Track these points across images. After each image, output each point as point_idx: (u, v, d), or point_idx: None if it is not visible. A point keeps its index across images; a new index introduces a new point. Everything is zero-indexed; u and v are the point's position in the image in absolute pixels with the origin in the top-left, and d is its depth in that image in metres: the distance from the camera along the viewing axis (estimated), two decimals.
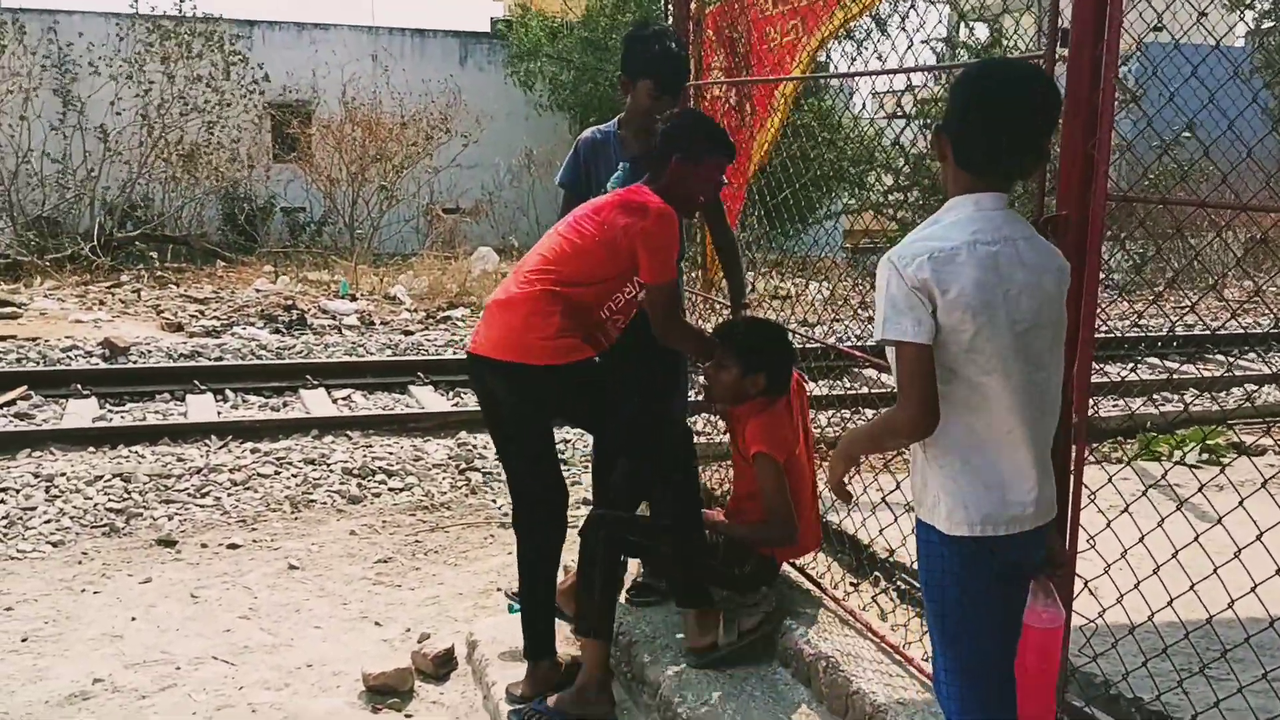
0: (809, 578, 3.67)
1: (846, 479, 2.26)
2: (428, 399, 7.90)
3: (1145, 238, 10.36)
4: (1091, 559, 2.60)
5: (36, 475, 5.86)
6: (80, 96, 15.75)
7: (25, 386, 7.51)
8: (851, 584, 3.66)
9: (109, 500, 5.61)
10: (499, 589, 4.71)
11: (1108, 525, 2.61)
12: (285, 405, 7.77)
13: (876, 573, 3.69)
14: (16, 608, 4.41)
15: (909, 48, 3.54)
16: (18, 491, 5.63)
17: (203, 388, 7.84)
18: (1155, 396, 7.43)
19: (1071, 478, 2.45)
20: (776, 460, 3.29)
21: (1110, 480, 2.72)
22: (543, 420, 3.33)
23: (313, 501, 5.78)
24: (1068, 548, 2.48)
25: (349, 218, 16.54)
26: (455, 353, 9.23)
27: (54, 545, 5.10)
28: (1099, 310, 2.55)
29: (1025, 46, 4.38)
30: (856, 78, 4.67)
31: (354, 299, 11.87)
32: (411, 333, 10.58)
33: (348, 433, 6.95)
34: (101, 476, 5.89)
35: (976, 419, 2.03)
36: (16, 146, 15.11)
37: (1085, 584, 2.59)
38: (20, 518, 5.34)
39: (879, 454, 2.30)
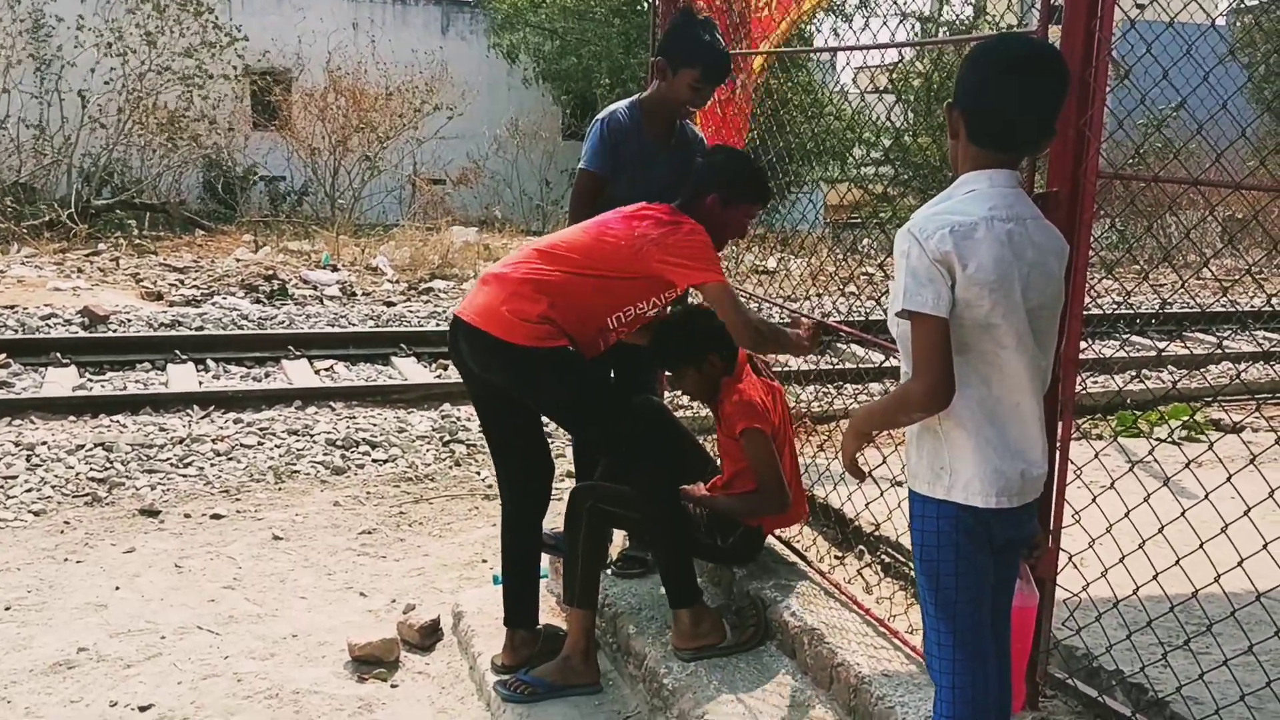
0: (795, 551, 3.69)
1: (860, 456, 2.26)
2: (411, 370, 7.88)
3: (1133, 215, 10.43)
4: (1076, 534, 2.62)
5: (17, 444, 5.82)
6: (61, 61, 15.50)
7: (4, 354, 7.44)
8: (837, 557, 3.68)
9: (91, 469, 5.57)
10: (484, 560, 4.72)
11: (1093, 500, 2.64)
12: (267, 375, 7.73)
13: (862, 546, 3.72)
14: None
15: (888, 21, 3.53)
16: None
17: (184, 357, 7.78)
18: (1137, 373, 7.48)
19: (1058, 453, 2.47)
20: (764, 431, 3.31)
21: (1097, 456, 2.75)
22: (508, 397, 3.25)
23: (296, 472, 5.76)
24: (1053, 523, 2.50)
25: (330, 187, 16.41)
26: (438, 324, 9.20)
27: (35, 514, 5.07)
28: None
29: (1012, 23, 4.39)
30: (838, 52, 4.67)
31: (335, 269, 11.79)
32: (394, 304, 10.53)
33: (331, 403, 6.93)
34: (83, 445, 5.86)
35: (989, 391, 2.04)
36: None
37: (1070, 558, 2.62)
38: (1, 486, 5.30)
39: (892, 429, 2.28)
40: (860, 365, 7.46)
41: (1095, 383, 7.29)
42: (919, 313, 1.96)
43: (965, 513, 2.07)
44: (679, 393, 3.63)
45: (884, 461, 3.55)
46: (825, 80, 13.17)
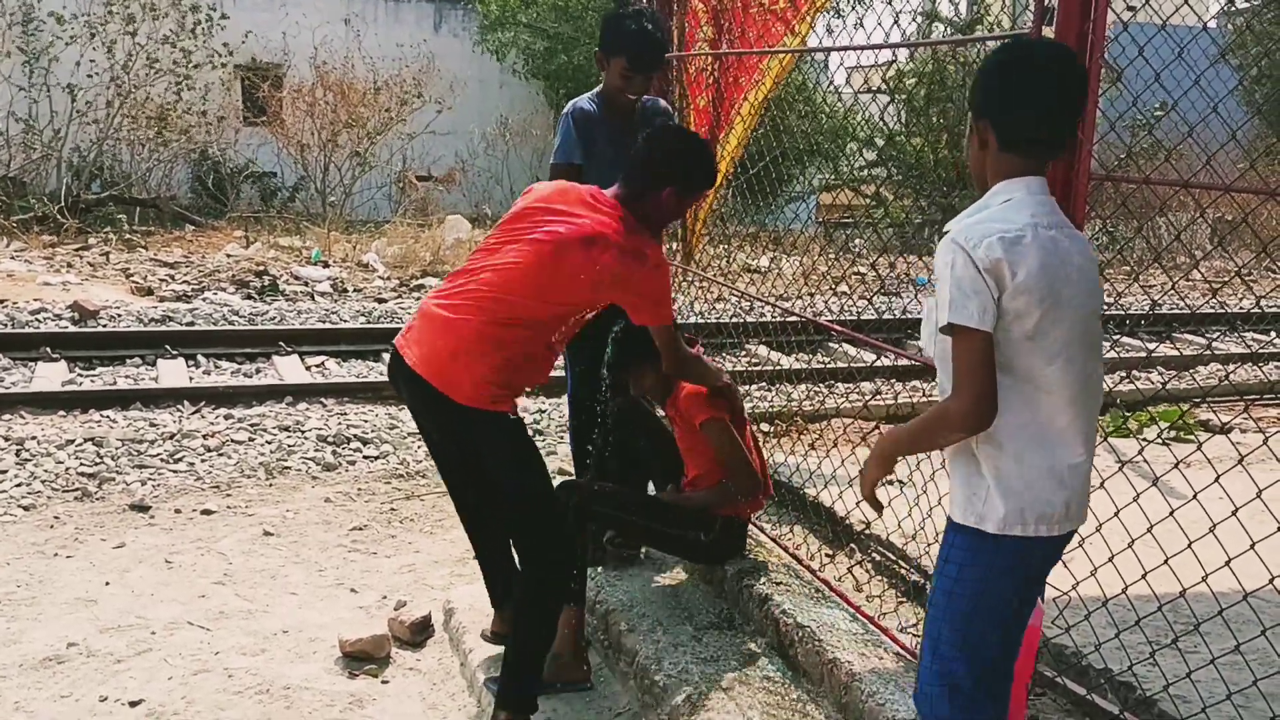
0: (785, 549, 3.71)
1: (881, 486, 2.16)
2: None
3: (1124, 217, 10.48)
4: None
5: (6, 438, 5.80)
6: (48, 55, 15.43)
7: None
8: (827, 555, 3.70)
9: (81, 465, 5.56)
10: (475, 557, 4.71)
11: None
12: (258, 371, 7.71)
13: (853, 544, 3.74)
14: None
15: (882, 21, 3.56)
16: None
17: (174, 353, 7.76)
18: (1127, 374, 7.51)
19: None
20: (724, 418, 3.37)
21: None
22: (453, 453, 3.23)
23: (287, 468, 5.75)
24: None
25: (321, 183, 16.37)
26: None
27: (25, 509, 5.05)
28: None
29: (1006, 25, 4.40)
30: (832, 52, 4.67)
31: (326, 265, 11.77)
32: (385, 300, 10.51)
33: (322, 400, 6.92)
34: (73, 441, 5.84)
35: (1033, 415, 1.96)
36: None
37: (1058, 557, 2.63)
38: None
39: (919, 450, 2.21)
40: (852, 365, 7.48)
41: None
42: (964, 326, 1.88)
43: (1003, 543, 1.99)
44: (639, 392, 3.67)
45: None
46: (819, 80, 13.19)
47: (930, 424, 2.00)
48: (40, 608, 4.08)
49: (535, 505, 3.08)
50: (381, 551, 4.79)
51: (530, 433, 6.48)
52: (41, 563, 4.49)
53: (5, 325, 8.32)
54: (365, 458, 5.99)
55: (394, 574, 4.56)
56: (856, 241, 11.95)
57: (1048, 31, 2.55)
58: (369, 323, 9.27)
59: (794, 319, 4.49)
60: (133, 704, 3.45)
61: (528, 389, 3.08)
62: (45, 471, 5.44)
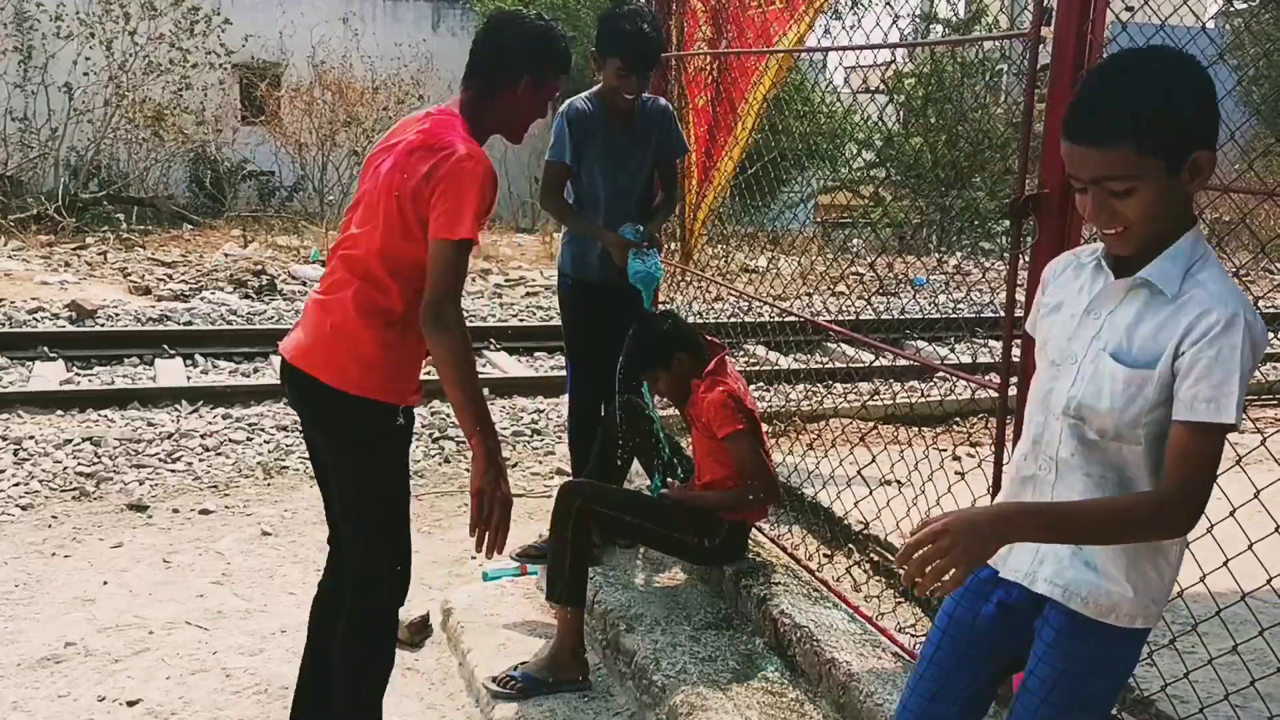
0: (784, 549, 3.71)
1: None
2: None
3: None
4: None
5: (4, 438, 5.80)
6: (45, 53, 15.41)
7: None
8: (825, 556, 3.70)
9: (78, 464, 5.55)
10: (472, 557, 4.72)
11: None
12: (256, 371, 7.71)
13: (851, 544, 3.74)
14: None
15: (881, 20, 3.57)
16: None
17: (172, 352, 7.76)
18: None
19: None
20: (745, 431, 3.35)
21: None
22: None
23: (285, 468, 5.75)
24: None
25: (319, 182, 16.36)
26: None
27: (23, 509, 5.05)
28: None
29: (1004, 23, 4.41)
30: (830, 52, 4.68)
31: (324, 265, 11.76)
32: None
33: None
34: (71, 440, 5.83)
35: None
36: None
37: None
38: None
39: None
40: (850, 365, 7.48)
41: None
42: (1232, 425, 1.60)
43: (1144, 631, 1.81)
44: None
45: (873, 460, 3.58)
46: (817, 80, 13.20)
47: (1123, 517, 1.66)
48: (38, 607, 4.08)
49: (383, 524, 2.80)
50: None
51: (529, 432, 6.44)
52: (39, 562, 4.49)
53: (3, 324, 8.32)
54: None
55: None
56: (855, 242, 11.95)
57: (1046, 32, 2.55)
58: None
59: (792, 319, 4.48)
60: (130, 703, 3.45)
61: (411, 393, 2.72)
62: (43, 471, 5.44)
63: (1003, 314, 2.72)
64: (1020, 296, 2.60)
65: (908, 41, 8.44)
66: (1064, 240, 2.43)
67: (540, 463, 6.02)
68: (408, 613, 3.95)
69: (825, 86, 9.86)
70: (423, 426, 6.49)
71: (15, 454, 5.62)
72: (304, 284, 10.84)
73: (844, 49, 4.02)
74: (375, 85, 16.63)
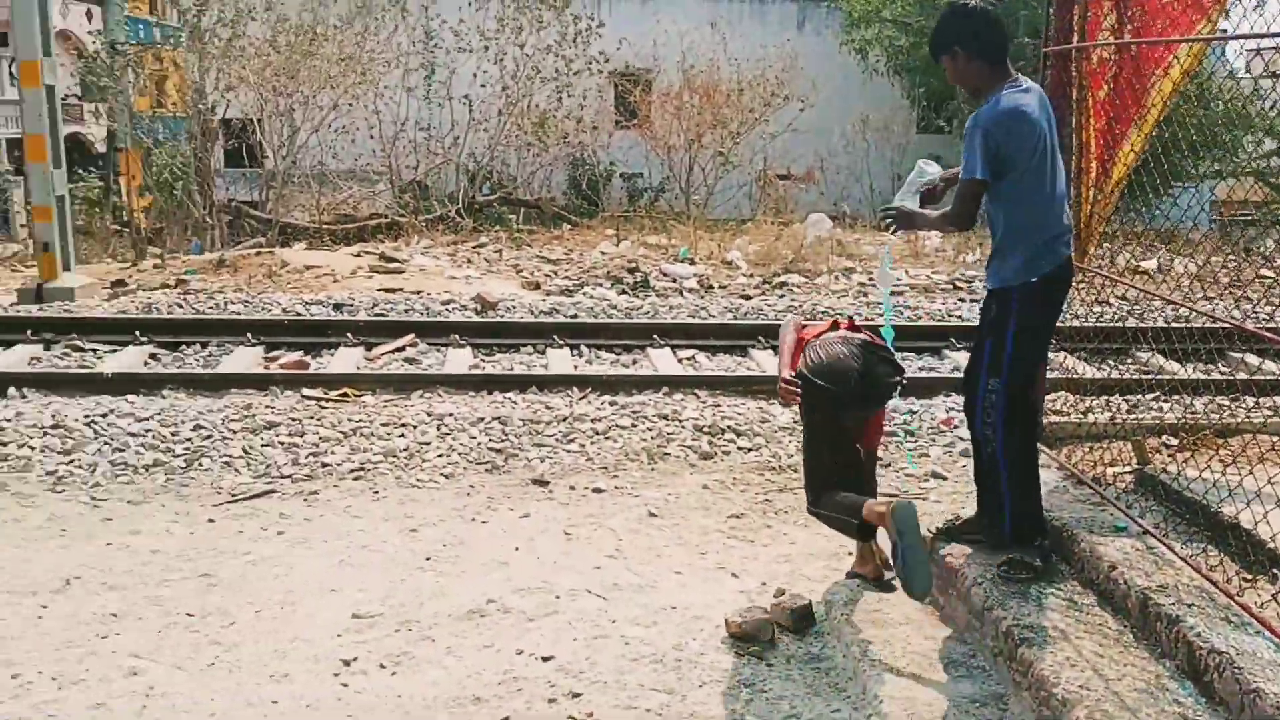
0: (1197, 570, 3.47)
1: None
2: (769, 363, 8.03)
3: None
4: None
5: (429, 414, 6.54)
6: (448, 68, 17.12)
7: (413, 335, 8.38)
8: (1245, 580, 3.43)
9: (489, 440, 6.17)
10: (849, 553, 4.77)
11: None
12: (635, 362, 8.18)
13: (1276, 571, 3.44)
14: (420, 530, 4.97)
15: None
16: (414, 428, 6.31)
17: (560, 343, 8.40)
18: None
19: None
20: None
21: None
22: None
23: (667, 455, 6.08)
24: None
25: (685, 183, 17.04)
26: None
27: (446, 477, 5.69)
28: None
29: None
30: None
31: (692, 263, 12.24)
32: (749, 297, 10.78)
33: (696, 391, 7.22)
34: (482, 419, 6.48)
35: None
36: (395, 116, 16.69)
37: None
38: (418, 450, 5.99)
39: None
40: (1260, 376, 6.80)
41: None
42: None
43: None
44: None
45: None
46: (1207, 64, 12.04)
47: None
48: (463, 566, 4.60)
49: None
50: (759, 540, 4.96)
51: (900, 434, 6.39)
52: (461, 526, 5.04)
53: (422, 314, 9.37)
54: (739, 449, 6.20)
55: (771, 562, 4.70)
56: (1268, 243, 10.79)
57: None
58: (735, 318, 9.55)
59: (1200, 324, 4.16)
60: (545, 659, 3.81)
61: None
62: (461, 445, 6.09)
63: None
64: None
65: None
66: None
67: (915, 464, 5.97)
68: (791, 601, 4.08)
69: (1223, 74, 8.99)
70: (793, 422, 6.62)
71: (438, 428, 6.32)
72: (674, 280, 11.34)
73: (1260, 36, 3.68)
74: (740, 87, 17.07)
